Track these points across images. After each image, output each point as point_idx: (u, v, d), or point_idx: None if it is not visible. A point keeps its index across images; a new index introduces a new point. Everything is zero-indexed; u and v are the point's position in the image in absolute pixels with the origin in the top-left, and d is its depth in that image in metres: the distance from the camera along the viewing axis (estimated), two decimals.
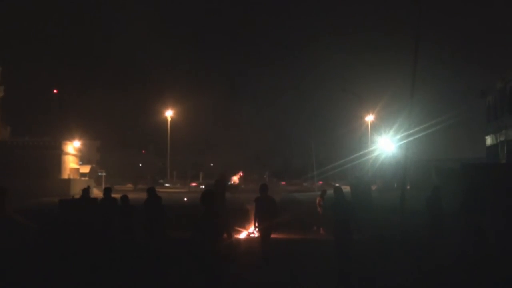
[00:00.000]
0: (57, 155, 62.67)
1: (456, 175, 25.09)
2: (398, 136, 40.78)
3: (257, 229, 14.47)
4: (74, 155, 67.66)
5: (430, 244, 14.35)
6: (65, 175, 63.22)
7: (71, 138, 67.24)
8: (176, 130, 79.94)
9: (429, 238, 14.49)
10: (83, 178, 65.78)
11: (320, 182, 74.80)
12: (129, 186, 78.25)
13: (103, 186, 58.09)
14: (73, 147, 67.28)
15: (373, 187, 47.43)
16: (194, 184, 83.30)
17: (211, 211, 8.74)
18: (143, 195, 16.10)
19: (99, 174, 70.91)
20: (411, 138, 22.49)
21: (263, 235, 13.97)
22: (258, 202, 14.14)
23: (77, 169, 68.03)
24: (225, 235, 8.62)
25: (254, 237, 19.22)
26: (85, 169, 70.53)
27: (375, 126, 69.81)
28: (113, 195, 15.96)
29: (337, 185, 18.59)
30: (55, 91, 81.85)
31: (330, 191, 18.02)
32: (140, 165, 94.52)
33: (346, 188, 25.96)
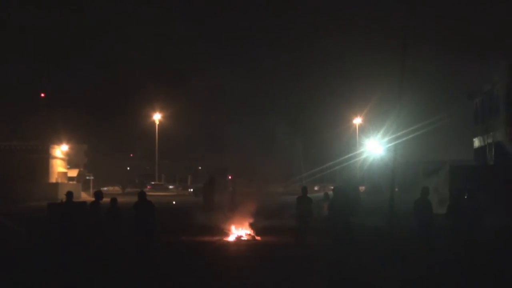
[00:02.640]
0: (45, 159, 62.26)
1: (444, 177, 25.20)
2: (387, 139, 40.79)
3: None
4: (61, 159, 67.29)
5: (420, 247, 14.36)
6: (53, 179, 62.83)
7: (58, 142, 66.75)
8: (164, 133, 79.66)
9: (419, 240, 14.50)
10: (71, 182, 65.39)
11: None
12: (117, 189, 78.05)
13: (91, 190, 57.90)
14: (60, 151, 66.86)
15: (361, 189, 47.52)
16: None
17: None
18: (131, 199, 16.03)
19: (87, 178, 70.54)
20: (399, 141, 22.54)
21: None
22: None
23: (65, 173, 67.61)
24: None
25: (243, 240, 19.21)
26: (73, 173, 70.08)
27: (363, 129, 70.03)
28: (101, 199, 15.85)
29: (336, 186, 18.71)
30: (42, 94, 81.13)
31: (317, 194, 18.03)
32: (128, 168, 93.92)
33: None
